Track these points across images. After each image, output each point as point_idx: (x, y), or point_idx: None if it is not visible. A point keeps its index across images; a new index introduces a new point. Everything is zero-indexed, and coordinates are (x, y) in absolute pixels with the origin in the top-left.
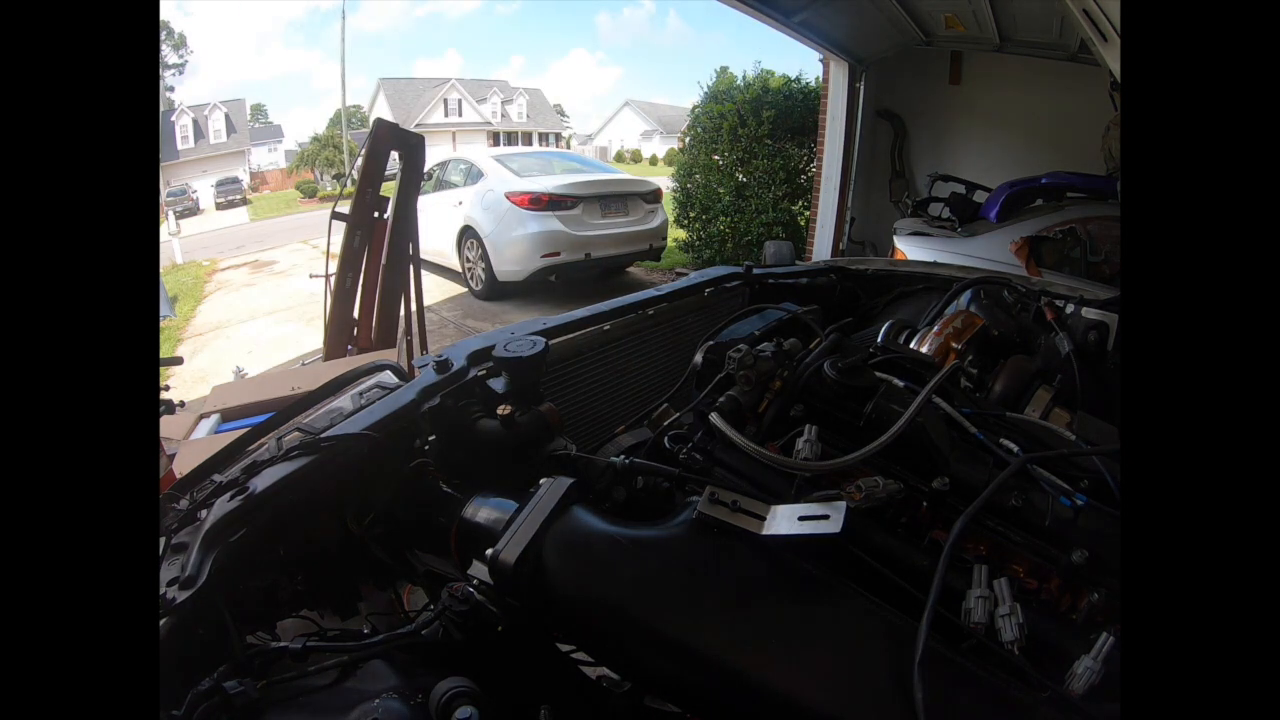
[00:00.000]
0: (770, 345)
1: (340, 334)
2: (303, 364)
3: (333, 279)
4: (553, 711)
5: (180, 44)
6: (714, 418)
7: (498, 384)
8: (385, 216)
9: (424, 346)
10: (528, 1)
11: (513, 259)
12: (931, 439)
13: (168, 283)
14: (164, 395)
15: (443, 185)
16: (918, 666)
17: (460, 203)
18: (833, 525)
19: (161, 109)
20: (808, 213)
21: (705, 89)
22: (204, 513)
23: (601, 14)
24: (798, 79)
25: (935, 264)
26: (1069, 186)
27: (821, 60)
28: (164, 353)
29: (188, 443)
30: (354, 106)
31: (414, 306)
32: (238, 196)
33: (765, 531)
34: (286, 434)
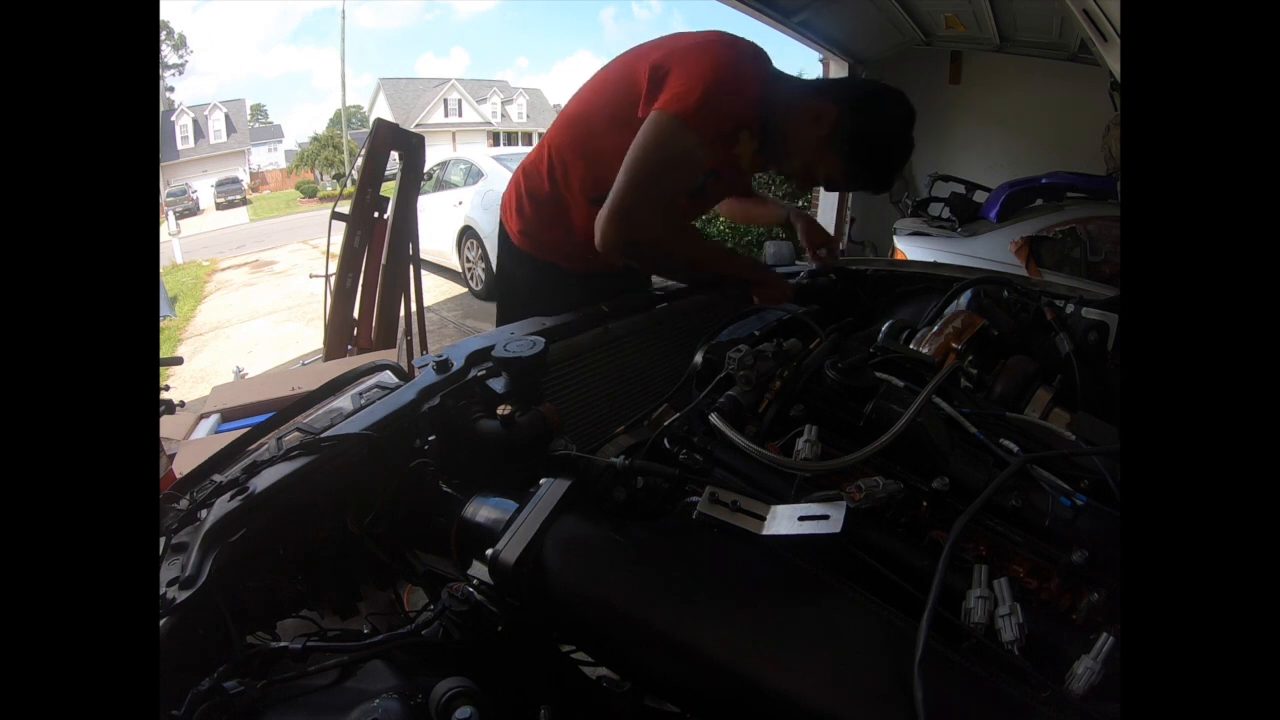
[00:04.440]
0: (770, 345)
1: (340, 334)
2: (303, 364)
3: (333, 279)
4: (553, 711)
5: (180, 44)
6: (714, 418)
7: (498, 384)
8: (385, 216)
9: (424, 346)
10: (539, 2)
11: None
12: (931, 439)
13: (168, 283)
14: (164, 395)
15: (443, 185)
16: (918, 666)
17: (460, 203)
18: (833, 525)
19: (161, 109)
20: (808, 213)
21: None
22: (204, 513)
23: (607, 9)
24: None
25: (935, 264)
26: (1069, 186)
27: (821, 60)
28: (164, 353)
29: (188, 443)
30: (354, 106)
31: (414, 306)
32: (238, 196)
33: (765, 531)
34: (286, 434)
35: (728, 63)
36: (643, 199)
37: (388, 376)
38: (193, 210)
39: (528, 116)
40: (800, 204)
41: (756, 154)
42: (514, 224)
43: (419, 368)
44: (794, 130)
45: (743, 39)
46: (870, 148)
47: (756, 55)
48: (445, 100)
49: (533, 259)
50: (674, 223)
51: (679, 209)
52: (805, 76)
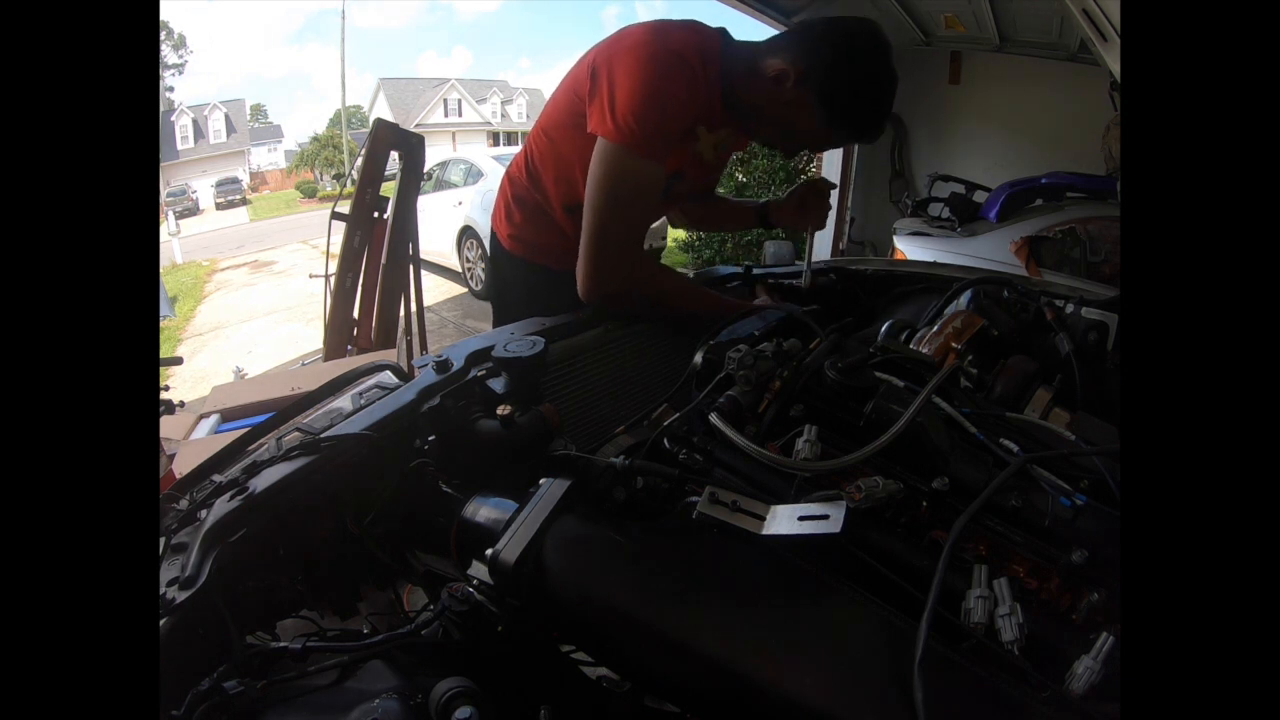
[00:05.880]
0: (770, 345)
1: (340, 334)
2: (303, 364)
3: (333, 279)
4: (553, 711)
5: (180, 44)
6: (714, 418)
7: (498, 384)
8: (385, 216)
9: (424, 346)
10: (543, 2)
11: None
12: (931, 439)
13: (168, 283)
14: (164, 395)
15: (443, 185)
16: (918, 666)
17: (460, 203)
18: (833, 525)
19: (161, 109)
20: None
21: None
22: (204, 513)
23: (610, 8)
24: None
25: (935, 264)
26: (1069, 186)
27: None
28: (164, 353)
29: (188, 443)
30: (354, 106)
31: (414, 306)
32: (237, 196)
33: (765, 531)
34: (286, 434)
35: (660, 72)
36: (613, 239)
37: (388, 376)
38: (192, 210)
39: (527, 116)
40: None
41: (726, 139)
42: (504, 229)
43: (419, 368)
44: (761, 100)
45: (682, 29)
46: (844, 93)
47: (698, 44)
48: (445, 100)
49: (525, 262)
50: (647, 260)
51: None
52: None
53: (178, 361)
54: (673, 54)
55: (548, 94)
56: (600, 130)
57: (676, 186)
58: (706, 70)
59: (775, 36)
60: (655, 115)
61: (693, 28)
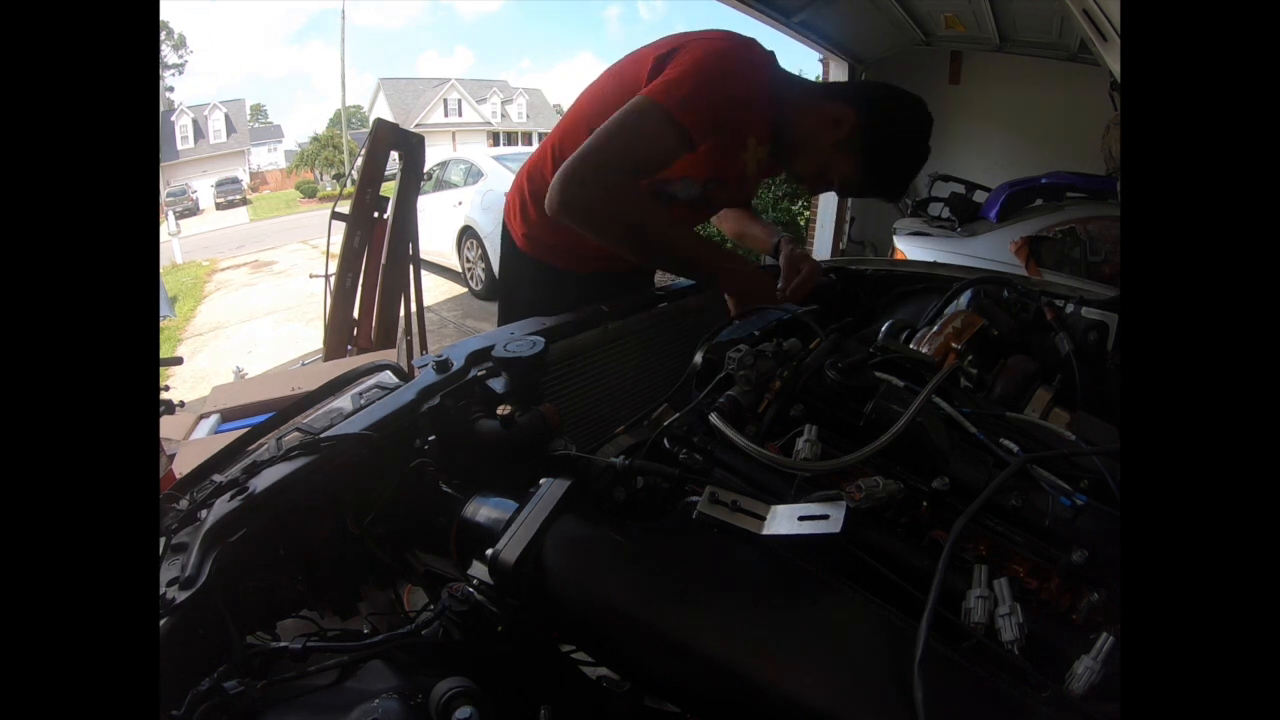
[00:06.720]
0: (770, 345)
1: (340, 334)
2: (303, 364)
3: (333, 279)
4: (553, 711)
5: (180, 44)
6: (714, 418)
7: (498, 384)
8: (385, 216)
9: (424, 346)
10: (545, 3)
11: None
12: (931, 439)
13: (168, 283)
14: (164, 395)
15: (443, 185)
16: (918, 666)
17: (460, 203)
18: (833, 525)
19: (161, 109)
20: (808, 213)
21: None
22: (204, 513)
23: (612, 8)
24: None
25: (935, 264)
26: (1069, 186)
27: (821, 60)
28: (164, 353)
29: (188, 443)
30: (354, 106)
31: (414, 306)
32: (237, 196)
33: (765, 531)
34: (286, 434)
35: (725, 59)
36: (597, 169)
37: (388, 376)
38: (193, 210)
39: (528, 116)
40: (799, 204)
41: (765, 159)
42: (518, 227)
43: (419, 368)
44: (810, 134)
45: (752, 41)
46: (887, 154)
47: (765, 59)
48: (445, 100)
49: (537, 262)
50: (629, 199)
51: (677, 217)
52: (804, 76)
53: (178, 361)
54: (744, 58)
55: (548, 94)
56: (644, 91)
57: (713, 192)
58: (769, 85)
59: (833, 83)
60: (702, 92)
61: (756, 44)
